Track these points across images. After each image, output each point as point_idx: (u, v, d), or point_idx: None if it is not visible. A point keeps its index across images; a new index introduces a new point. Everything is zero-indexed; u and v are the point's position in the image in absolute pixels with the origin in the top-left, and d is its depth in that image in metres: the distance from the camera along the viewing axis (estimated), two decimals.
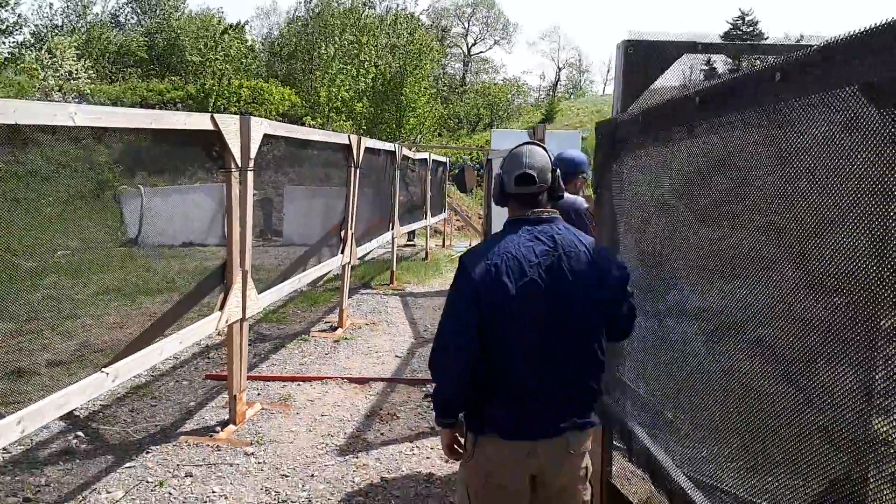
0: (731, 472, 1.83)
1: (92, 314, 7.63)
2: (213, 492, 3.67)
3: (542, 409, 2.09)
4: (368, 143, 7.70)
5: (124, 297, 8.60)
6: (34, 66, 22.31)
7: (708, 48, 3.00)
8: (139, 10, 38.84)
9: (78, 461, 4.00)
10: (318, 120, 23.30)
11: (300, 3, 32.35)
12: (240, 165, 4.39)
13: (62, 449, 4.16)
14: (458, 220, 19.75)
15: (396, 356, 6.48)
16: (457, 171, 18.87)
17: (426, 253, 13.56)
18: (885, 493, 1.24)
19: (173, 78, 27.28)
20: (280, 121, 22.67)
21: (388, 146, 9.30)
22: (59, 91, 21.64)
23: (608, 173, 2.81)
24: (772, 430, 1.62)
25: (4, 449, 4.10)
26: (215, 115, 4.19)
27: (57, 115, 2.89)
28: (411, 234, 15.63)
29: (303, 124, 22.59)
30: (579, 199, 3.93)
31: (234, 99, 23.58)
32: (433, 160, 13.10)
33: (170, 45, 32.62)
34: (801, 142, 1.50)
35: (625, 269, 2.17)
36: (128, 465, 3.96)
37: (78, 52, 24.94)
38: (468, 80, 51.34)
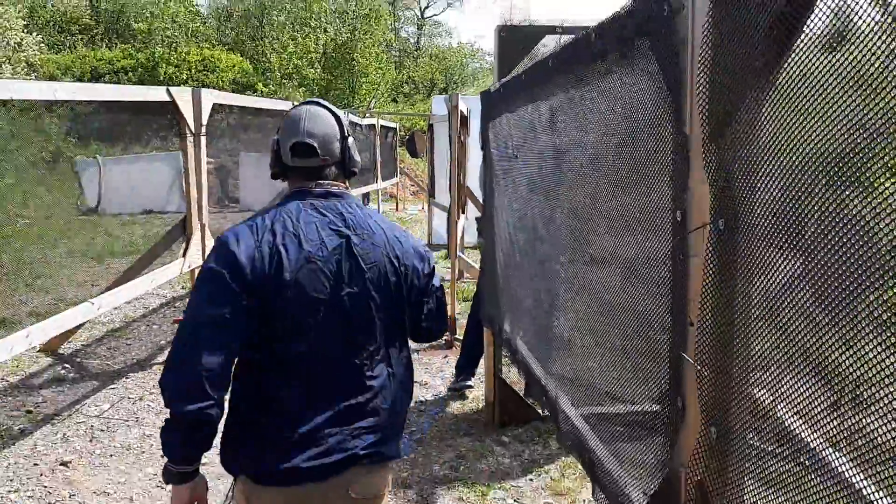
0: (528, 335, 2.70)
1: (65, 274, 8.23)
2: None
3: (311, 440, 1.61)
4: None
5: (91, 259, 9.19)
6: None
7: (565, 31, 3.82)
8: None
9: (67, 385, 4.76)
10: (271, 87, 23.60)
11: None
12: (193, 131, 5.09)
13: (52, 377, 4.90)
14: (412, 184, 20.52)
15: None
16: (406, 137, 19.54)
17: None
18: None
19: (124, 46, 27.08)
20: (232, 88, 22.98)
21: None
22: (8, 63, 21.54)
23: (486, 137, 3.63)
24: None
25: (3, 378, 4.83)
26: (170, 88, 4.87)
27: (43, 90, 3.58)
28: (365, 198, 16.35)
29: (254, 91, 22.91)
30: None
31: (185, 67, 23.73)
32: (382, 126, 13.77)
33: (116, 11, 32.19)
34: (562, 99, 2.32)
35: (430, 259, 1.83)
36: (111, 387, 4.72)
37: (24, 22, 24.63)
38: (423, 43, 51.53)
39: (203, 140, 5.16)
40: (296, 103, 1.87)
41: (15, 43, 22.97)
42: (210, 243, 5.34)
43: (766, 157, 1.11)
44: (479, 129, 3.73)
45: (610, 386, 1.85)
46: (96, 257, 9.31)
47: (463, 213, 6.43)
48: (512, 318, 3.26)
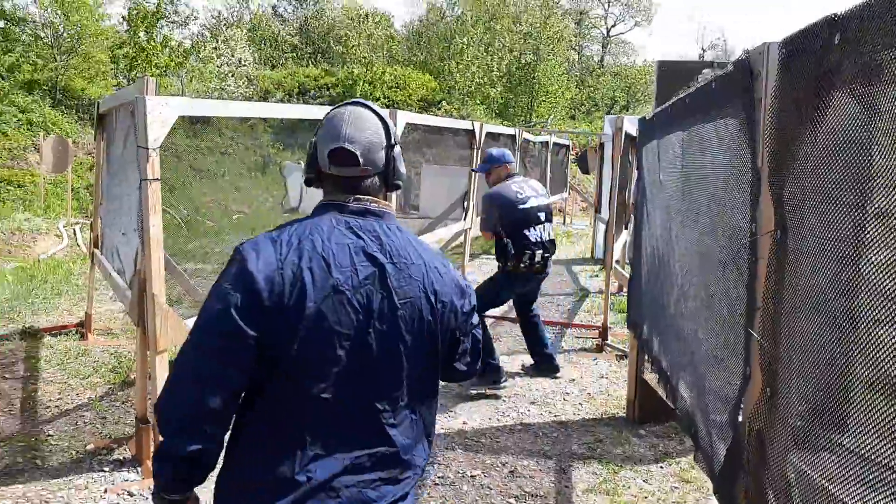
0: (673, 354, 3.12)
1: None
2: None
3: (325, 489, 1.44)
4: (489, 128, 9.14)
5: None
6: (212, 55, 25.52)
7: (721, 66, 4.16)
8: (296, 1, 42.18)
9: None
10: (454, 104, 25.03)
11: None
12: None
13: None
14: (582, 200, 20.83)
15: (508, 304, 7.91)
16: (579, 154, 19.87)
17: None
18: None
19: (326, 66, 29.95)
20: (419, 105, 24.69)
21: (509, 130, 10.71)
22: (232, 76, 24.87)
23: (640, 159, 4.07)
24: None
25: None
26: None
27: (268, 111, 4.56)
28: None
29: (439, 108, 24.46)
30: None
31: (379, 84, 25.87)
32: (554, 143, 14.31)
33: (322, 33, 35.57)
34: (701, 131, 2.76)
35: (471, 295, 1.64)
36: None
37: (246, 40, 28.12)
38: (606, 62, 51.27)
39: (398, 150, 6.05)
40: (341, 104, 1.66)
41: (238, 59, 26.42)
42: None
43: (805, 187, 1.56)
44: (635, 152, 4.18)
45: (707, 365, 2.27)
46: None
47: (626, 228, 6.82)
48: (650, 322, 3.68)
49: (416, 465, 1.56)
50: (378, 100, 24.74)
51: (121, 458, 3.77)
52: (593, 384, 5.21)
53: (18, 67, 16.57)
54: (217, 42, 25.81)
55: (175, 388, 1.43)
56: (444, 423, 4.39)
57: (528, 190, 4.90)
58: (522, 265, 4.79)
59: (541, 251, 4.82)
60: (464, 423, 4.41)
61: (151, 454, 3.61)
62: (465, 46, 24.97)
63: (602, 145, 11.27)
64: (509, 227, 4.76)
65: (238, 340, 1.40)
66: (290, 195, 17.18)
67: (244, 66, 26.47)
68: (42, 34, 18.04)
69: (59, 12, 17.58)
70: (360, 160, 1.54)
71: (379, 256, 1.49)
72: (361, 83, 25.66)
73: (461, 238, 9.98)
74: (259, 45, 32.08)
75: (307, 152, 1.63)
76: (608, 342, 6.07)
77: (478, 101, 25.22)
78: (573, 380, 5.28)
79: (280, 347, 1.42)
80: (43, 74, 16.93)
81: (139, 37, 19.09)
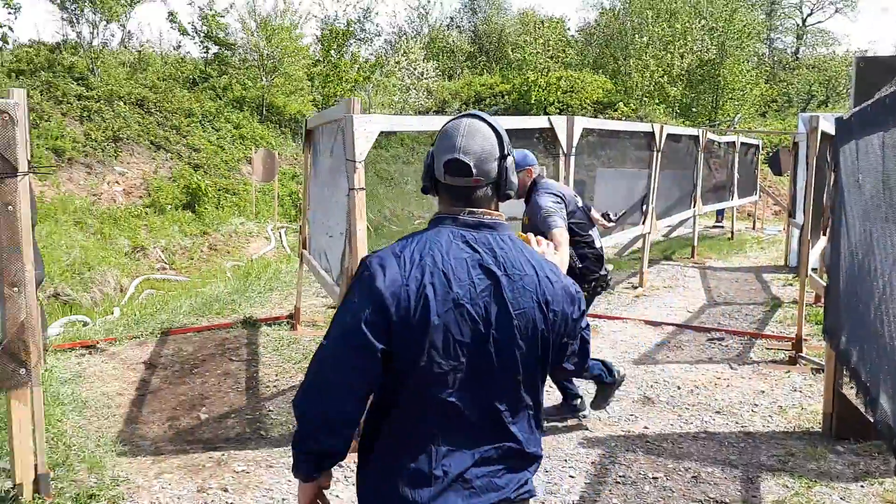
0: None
1: None
2: None
3: (461, 482, 1.59)
4: (670, 129, 8.91)
5: None
6: (394, 68, 27.00)
7: None
8: (471, 11, 43.41)
9: None
10: (631, 105, 24.41)
11: None
12: (566, 152, 6.09)
13: None
14: (774, 204, 19.40)
15: (688, 311, 7.68)
16: (770, 155, 18.53)
17: (731, 234, 14.06)
18: None
19: (503, 73, 30.51)
20: (593, 108, 24.39)
21: (691, 131, 10.34)
22: (413, 89, 26.19)
23: (837, 160, 3.85)
24: None
25: None
26: (550, 117, 5.93)
27: None
28: (719, 216, 16.11)
29: (615, 109, 23.98)
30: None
31: (553, 89, 25.91)
32: (741, 143, 13.53)
33: (495, 40, 36.26)
34: None
35: (581, 302, 1.72)
36: None
37: (424, 52, 29.43)
38: (802, 53, 47.17)
39: (572, 160, 6.14)
40: (459, 115, 1.71)
41: (419, 72, 27.74)
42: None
43: None
44: (832, 153, 3.96)
45: None
46: None
47: (823, 234, 6.36)
48: (848, 331, 3.48)
49: (536, 455, 1.68)
50: (552, 104, 24.82)
51: None
52: (785, 397, 4.95)
53: (230, 88, 18.73)
54: (398, 56, 27.25)
55: (312, 391, 1.58)
56: (624, 426, 4.43)
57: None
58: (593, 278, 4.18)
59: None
60: (644, 427, 4.42)
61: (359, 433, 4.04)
62: (643, 46, 24.27)
63: (796, 145, 10.51)
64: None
65: (367, 352, 1.53)
66: None
67: (425, 78, 27.66)
68: (248, 57, 20.24)
69: (262, 36, 19.61)
70: (474, 171, 1.61)
71: (494, 269, 1.57)
72: (536, 89, 25.86)
73: (639, 243, 9.82)
74: (437, 57, 33.42)
75: (424, 162, 1.70)
76: (802, 354, 5.71)
77: (657, 102, 24.38)
78: (762, 391, 5.05)
79: (407, 360, 1.54)
80: (250, 93, 19.01)
81: (331, 55, 20.77)
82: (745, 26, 24.64)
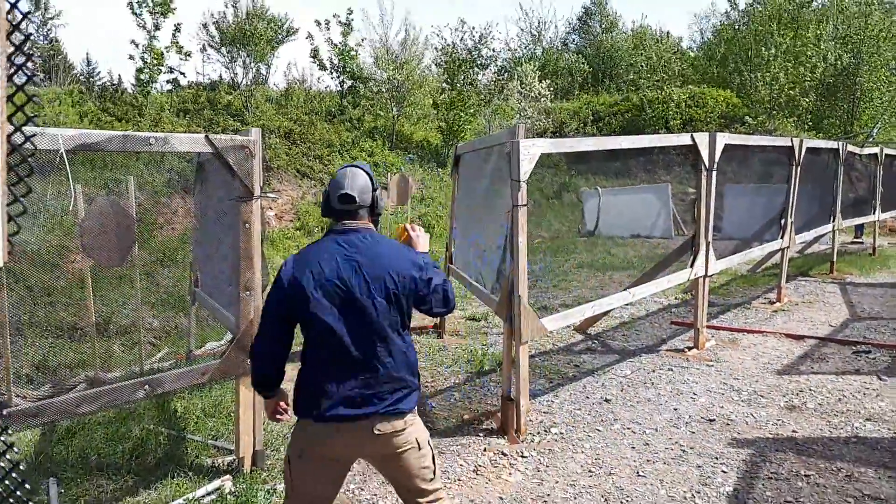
0: None
1: (577, 279, 10.38)
2: (687, 379, 5.67)
3: (342, 398, 2.39)
4: (810, 143, 8.81)
5: (595, 271, 11.26)
6: (512, 91, 27.53)
7: None
8: (583, 33, 43.31)
9: (598, 354, 6.47)
10: (759, 118, 23.60)
11: (730, 8, 32.28)
12: (707, 167, 6.30)
13: (586, 348, 6.69)
14: None
15: (830, 325, 7.56)
16: None
17: (873, 249, 13.40)
18: None
19: (619, 91, 30.37)
20: (719, 122, 23.79)
21: (831, 145, 10.09)
22: (530, 109, 26.62)
23: None
24: None
25: (555, 343, 6.81)
26: (693, 134, 6.16)
27: (615, 144, 5.22)
28: (858, 232, 15.33)
29: (743, 123, 23.28)
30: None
31: (672, 105, 25.51)
32: (886, 154, 12.92)
33: (606, 60, 35.96)
34: None
35: (426, 267, 2.54)
36: (629, 360, 6.24)
37: (539, 74, 29.76)
38: None
39: (714, 175, 6.33)
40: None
41: (536, 94, 28.14)
42: (712, 260, 6.49)
43: None
44: None
45: None
46: (600, 269, 11.35)
47: None
48: None
49: (404, 379, 2.47)
50: (673, 119, 24.45)
51: (489, 427, 4.70)
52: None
53: (363, 118, 19.96)
54: (515, 80, 27.77)
55: (256, 340, 2.54)
56: (772, 430, 4.59)
57: None
58: None
59: None
60: (793, 431, 4.56)
61: (514, 426, 4.48)
62: (770, 58, 23.47)
63: None
64: None
65: (276, 317, 2.47)
66: (586, 219, 17.95)
67: (542, 99, 28.00)
68: (377, 88, 21.46)
69: (391, 68, 20.76)
70: (357, 200, 2.53)
71: (355, 256, 2.45)
72: (655, 105, 25.58)
73: (774, 259, 9.68)
74: (553, 78, 33.64)
75: (322, 196, 2.64)
76: None
77: (786, 114, 23.43)
78: None
79: (304, 319, 2.43)
80: (380, 122, 20.15)
81: (456, 83, 21.61)
82: (881, 31, 23.26)
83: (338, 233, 2.52)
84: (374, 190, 2.60)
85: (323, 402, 2.40)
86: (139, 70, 15.96)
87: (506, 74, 33.38)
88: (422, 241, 2.80)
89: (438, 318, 7.23)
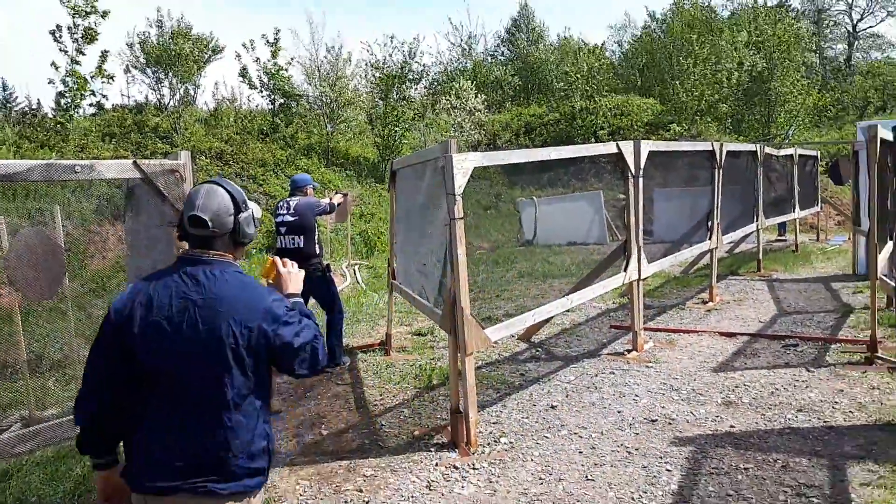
0: None
1: (518, 288, 10.52)
2: (628, 382, 5.81)
3: (155, 464, 1.99)
4: (730, 146, 9.21)
5: (535, 279, 11.43)
6: (446, 105, 27.76)
7: None
8: (511, 45, 43.98)
9: (542, 362, 6.56)
10: (683, 125, 24.50)
11: (648, 19, 33.58)
12: (634, 174, 6.50)
13: (531, 356, 6.79)
14: (837, 214, 19.18)
15: (760, 321, 7.89)
16: (829, 165, 18.45)
17: (796, 246, 14.07)
18: None
19: (547, 102, 30.97)
20: (644, 129, 24.60)
21: (750, 147, 10.58)
22: (466, 123, 26.91)
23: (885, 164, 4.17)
24: None
25: (500, 353, 6.88)
26: (619, 143, 6.37)
27: (544, 155, 5.34)
28: (782, 230, 16.09)
29: (667, 130, 24.13)
30: (312, 200, 6.39)
31: (600, 114, 26.24)
32: (800, 155, 13.62)
33: (535, 72, 36.57)
34: None
35: (284, 319, 2.07)
36: (572, 365, 6.36)
37: (473, 88, 30.11)
38: (854, 59, 46.26)
39: (641, 181, 6.55)
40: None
41: (469, 108, 28.46)
42: (644, 263, 6.68)
43: None
44: (892, 159, 4.27)
45: None
46: (540, 277, 11.53)
47: (890, 239, 6.57)
48: None
49: (219, 458, 2.02)
50: (602, 129, 25.14)
51: (439, 441, 4.71)
52: (864, 394, 5.18)
53: (297, 136, 19.76)
54: (451, 96, 28.00)
55: (80, 390, 2.10)
56: (711, 426, 4.75)
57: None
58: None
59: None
60: (731, 426, 4.73)
61: (464, 438, 4.49)
62: (689, 66, 24.43)
63: (856, 154, 10.64)
64: None
65: (102, 359, 2.06)
66: (524, 228, 18.24)
67: (476, 112, 28.31)
68: (312, 105, 21.30)
69: (325, 85, 20.65)
70: (210, 224, 2.07)
71: (192, 295, 2.02)
72: (584, 115, 26.25)
73: (704, 260, 10.07)
74: (485, 91, 34.01)
75: (179, 218, 2.20)
76: (879, 355, 5.91)
77: (708, 120, 24.43)
78: (841, 390, 5.29)
79: (126, 349, 2.02)
80: (314, 139, 19.99)
81: (389, 98, 21.67)
82: (790, 36, 24.56)
83: (185, 262, 2.10)
84: (239, 213, 2.13)
85: (136, 465, 2.04)
86: (60, 94, 15.38)
87: (438, 88, 33.63)
88: (293, 280, 2.32)
89: (385, 336, 7.20)
